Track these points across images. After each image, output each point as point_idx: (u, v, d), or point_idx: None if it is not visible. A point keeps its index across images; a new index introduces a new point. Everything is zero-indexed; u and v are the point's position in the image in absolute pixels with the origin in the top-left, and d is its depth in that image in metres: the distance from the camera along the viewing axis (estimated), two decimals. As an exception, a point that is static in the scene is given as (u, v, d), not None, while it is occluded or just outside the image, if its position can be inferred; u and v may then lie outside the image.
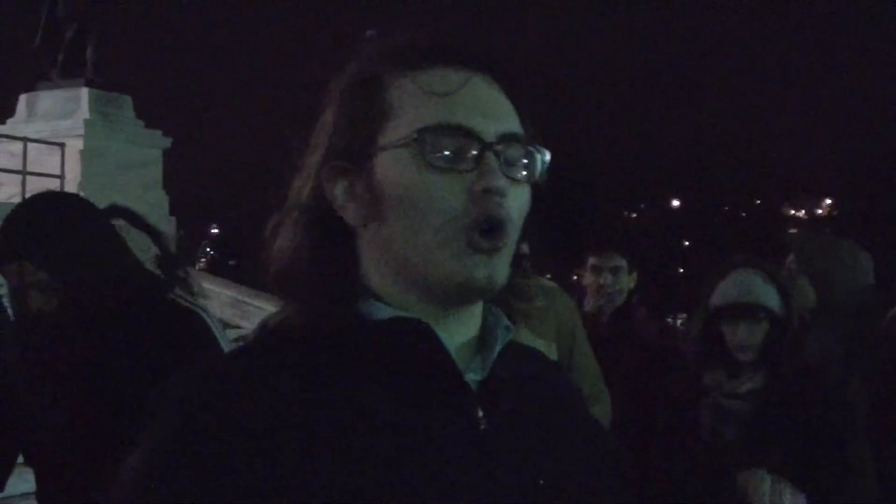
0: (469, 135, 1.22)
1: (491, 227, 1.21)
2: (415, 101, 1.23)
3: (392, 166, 1.22)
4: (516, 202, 1.25)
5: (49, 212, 2.89)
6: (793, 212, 69.70)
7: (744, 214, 65.77)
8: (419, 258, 1.21)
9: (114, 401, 2.71)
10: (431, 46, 1.28)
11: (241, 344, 1.31)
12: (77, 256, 2.86)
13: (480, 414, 1.22)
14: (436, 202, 1.20)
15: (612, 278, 4.77)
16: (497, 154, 1.23)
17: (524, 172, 1.27)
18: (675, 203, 69.17)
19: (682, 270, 50.91)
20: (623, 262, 4.82)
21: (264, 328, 1.30)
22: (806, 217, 68.24)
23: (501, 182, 1.22)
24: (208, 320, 3.24)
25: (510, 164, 1.26)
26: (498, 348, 1.28)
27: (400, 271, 1.23)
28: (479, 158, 1.22)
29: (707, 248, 49.42)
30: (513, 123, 1.27)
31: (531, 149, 1.28)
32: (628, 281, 4.86)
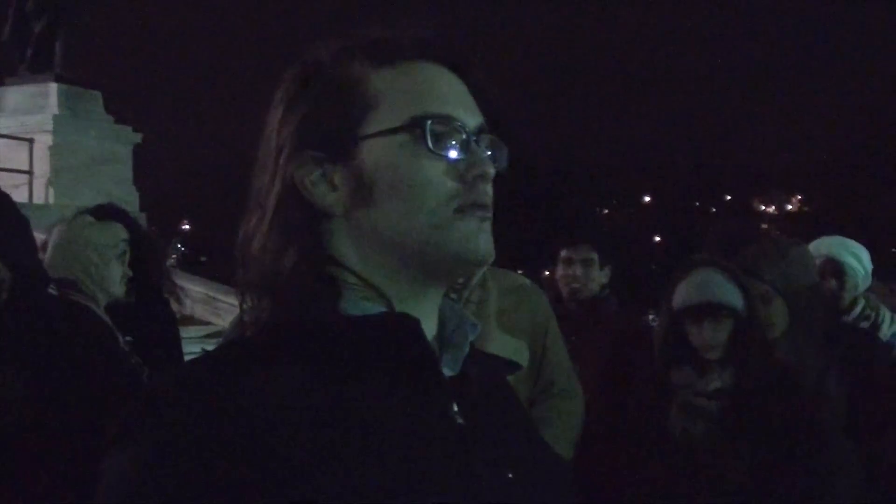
0: (457, 125, 1.28)
1: (481, 209, 1.28)
2: (399, 94, 1.28)
3: (384, 154, 1.26)
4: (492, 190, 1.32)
5: None
6: (763, 207, 70.18)
7: (714, 210, 66.15)
8: (417, 238, 1.25)
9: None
10: (407, 42, 1.32)
11: (222, 343, 1.29)
12: (28, 249, 2.85)
13: (456, 409, 1.25)
14: (431, 187, 1.25)
15: (582, 270, 4.78)
16: (479, 144, 1.30)
17: (495, 163, 1.33)
18: (647, 199, 69.49)
19: (653, 266, 51.12)
20: (594, 255, 4.82)
21: (241, 326, 1.30)
22: (776, 213, 68.72)
23: (492, 169, 1.29)
24: (99, 313, 3.29)
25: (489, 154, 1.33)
26: (468, 346, 1.32)
27: (390, 253, 1.26)
28: (466, 147, 1.28)
29: (678, 243, 49.66)
30: (481, 117, 1.33)
31: (500, 141, 1.35)
32: (600, 276, 4.86)
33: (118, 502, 1.10)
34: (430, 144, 1.25)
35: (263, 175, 1.29)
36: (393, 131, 1.26)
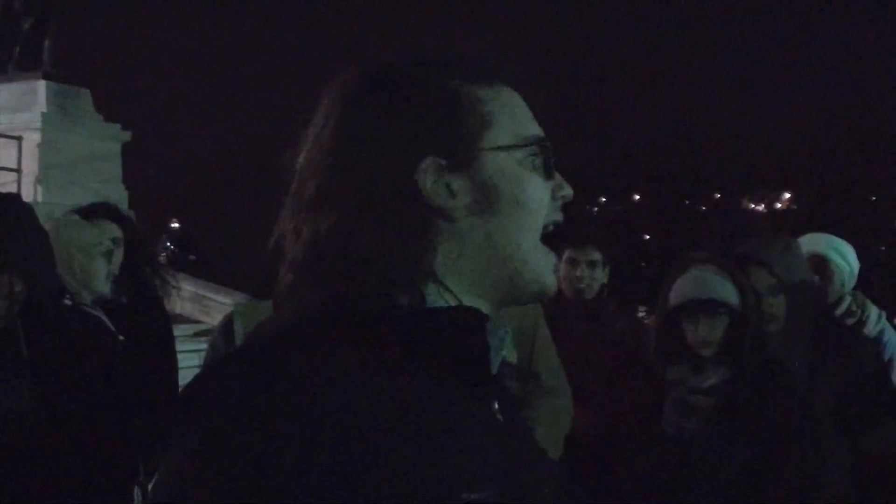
0: (548, 148, 1.37)
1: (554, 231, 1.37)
2: (509, 113, 1.35)
3: (505, 168, 1.31)
4: None
5: (10, 217, 2.87)
6: (752, 205, 70.25)
7: (703, 208, 66.26)
8: (522, 255, 1.32)
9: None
10: (502, 66, 1.39)
11: (295, 329, 1.26)
12: (44, 260, 2.87)
13: (496, 406, 1.29)
14: (541, 204, 1.34)
15: (588, 272, 4.79)
16: None
17: None
18: (636, 197, 69.53)
19: (643, 265, 51.19)
20: (599, 256, 4.84)
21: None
22: (765, 211, 68.81)
23: (572, 192, 1.38)
24: (103, 318, 3.31)
25: None
26: (504, 348, 1.35)
27: (488, 264, 1.31)
28: (553, 170, 1.37)
29: (668, 242, 49.72)
30: None
31: None
32: (602, 276, 4.87)
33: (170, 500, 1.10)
34: (549, 164, 1.35)
35: (342, 174, 1.28)
36: (513, 148, 1.32)
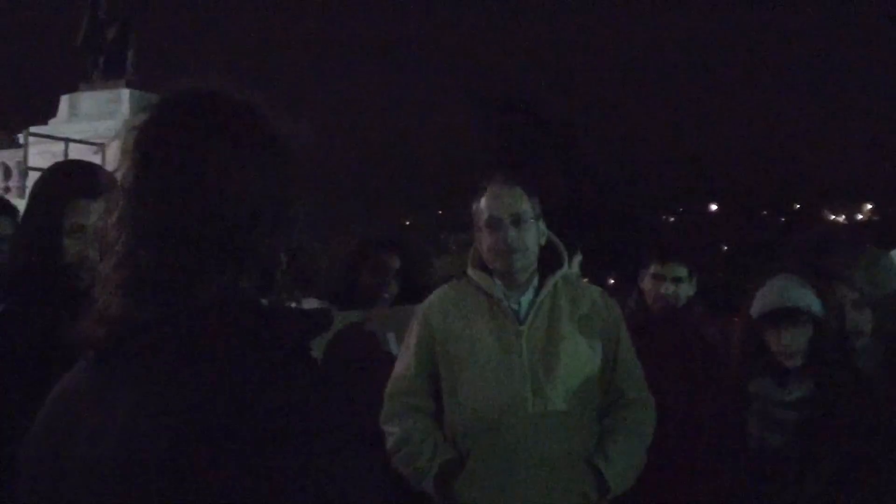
0: None
1: None
2: None
3: None
4: None
5: None
6: (833, 216, 69.09)
7: (783, 219, 65.29)
8: None
9: None
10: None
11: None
12: None
13: None
14: None
15: (672, 288, 4.72)
16: None
17: None
18: (713, 207, 68.76)
19: (720, 275, 50.54)
20: (685, 272, 4.76)
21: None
22: (846, 222, 67.59)
23: None
24: None
25: None
26: None
27: None
28: None
29: (746, 253, 49.00)
30: None
31: None
32: (689, 289, 4.80)
33: None
34: None
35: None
36: None
